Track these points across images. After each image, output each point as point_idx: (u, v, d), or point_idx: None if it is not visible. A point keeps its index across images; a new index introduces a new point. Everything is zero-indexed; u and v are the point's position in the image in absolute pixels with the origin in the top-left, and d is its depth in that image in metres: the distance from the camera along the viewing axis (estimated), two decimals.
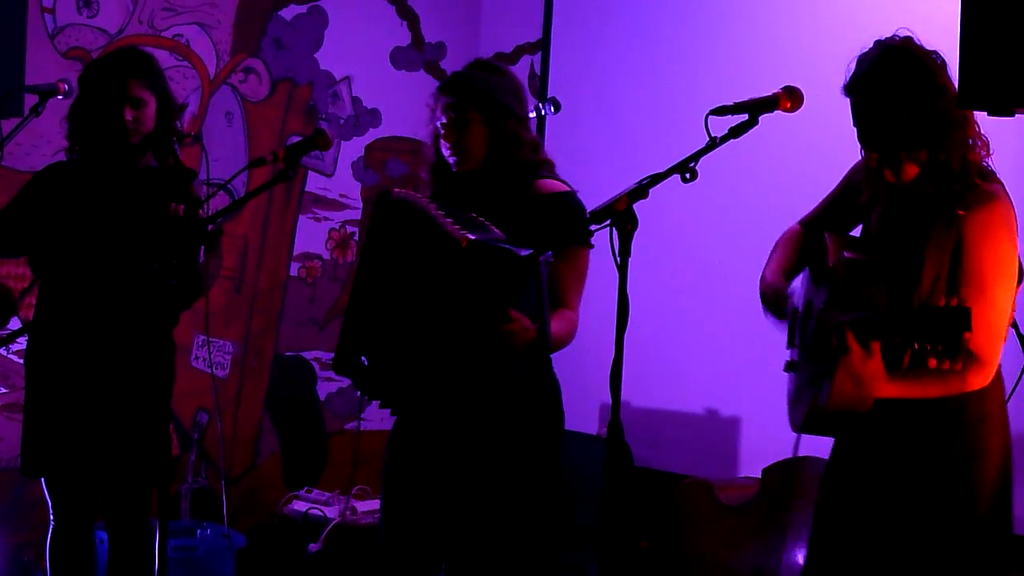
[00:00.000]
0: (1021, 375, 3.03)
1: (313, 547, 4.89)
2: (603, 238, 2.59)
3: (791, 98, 2.71)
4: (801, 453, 4.07)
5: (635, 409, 4.91)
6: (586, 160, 5.39)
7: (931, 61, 2.76)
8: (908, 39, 2.79)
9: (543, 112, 4.29)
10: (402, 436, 3.29)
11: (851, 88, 2.77)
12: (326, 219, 5.68)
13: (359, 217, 5.74)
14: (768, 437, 4.65)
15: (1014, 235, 2.70)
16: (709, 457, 4.90)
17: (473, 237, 2.88)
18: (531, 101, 5.24)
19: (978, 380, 2.66)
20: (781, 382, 4.10)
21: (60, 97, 3.84)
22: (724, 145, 2.64)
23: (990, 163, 2.81)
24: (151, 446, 3.60)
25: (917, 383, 2.62)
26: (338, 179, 5.70)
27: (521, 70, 5.86)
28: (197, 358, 5.19)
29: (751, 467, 4.57)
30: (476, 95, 3.20)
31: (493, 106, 3.20)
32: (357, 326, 3.17)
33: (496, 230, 2.98)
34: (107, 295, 3.64)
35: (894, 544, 2.78)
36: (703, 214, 4.90)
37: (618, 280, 2.54)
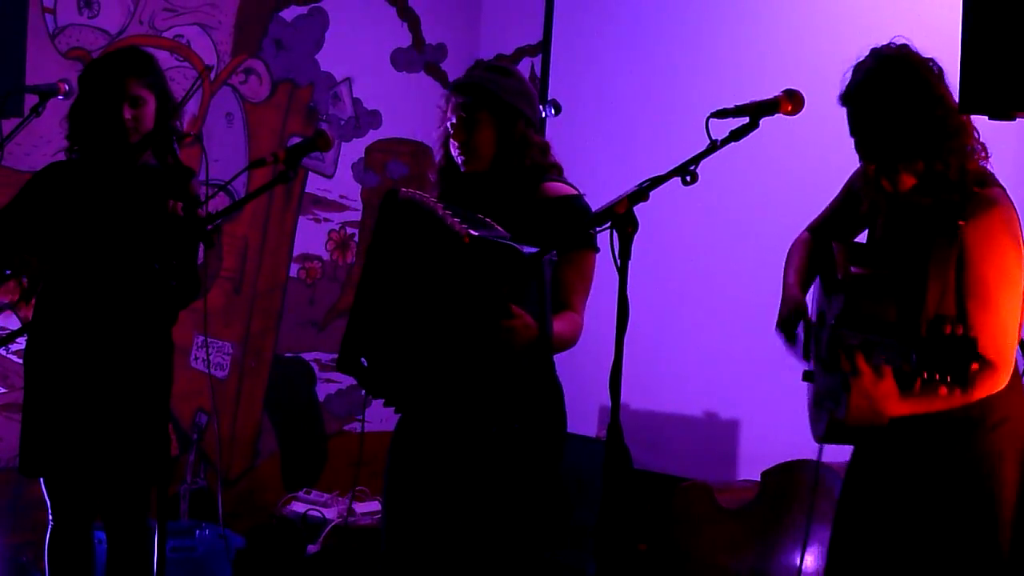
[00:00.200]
0: None
1: (312, 548, 4.89)
2: (603, 240, 2.60)
3: (792, 101, 2.71)
4: (800, 456, 4.07)
5: (634, 411, 4.91)
6: (586, 162, 5.39)
7: (927, 70, 2.75)
8: (904, 47, 2.79)
9: (543, 114, 4.29)
10: (405, 437, 3.29)
11: (846, 98, 2.78)
12: (326, 220, 5.68)
13: (359, 218, 5.74)
14: (767, 440, 4.65)
15: (1017, 238, 2.70)
16: (708, 460, 4.90)
17: (476, 233, 2.90)
18: (538, 102, 5.25)
19: (993, 385, 2.67)
20: (780, 385, 4.11)
21: (60, 97, 3.84)
22: (725, 148, 2.64)
23: (989, 166, 2.81)
24: (150, 446, 3.60)
25: (932, 399, 2.62)
26: (338, 180, 5.70)
27: (522, 72, 5.86)
28: (196, 359, 5.19)
29: (750, 470, 4.58)
30: (487, 96, 3.22)
31: (503, 108, 3.22)
32: (362, 324, 3.18)
33: (500, 229, 2.99)
34: (106, 295, 3.64)
35: (916, 548, 2.77)
36: (703, 217, 4.90)
37: (618, 282, 2.54)
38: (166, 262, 3.16)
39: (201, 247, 3.61)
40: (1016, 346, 2.70)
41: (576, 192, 3.24)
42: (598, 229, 2.57)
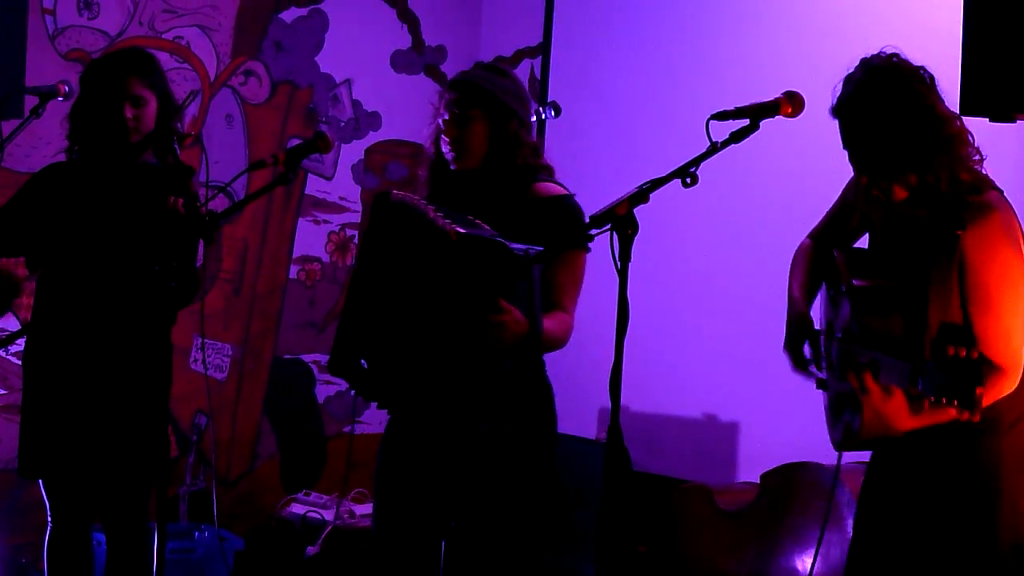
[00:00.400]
0: None
1: (311, 550, 4.88)
2: (603, 242, 2.59)
3: (792, 103, 2.71)
4: (799, 458, 4.07)
5: (634, 414, 4.91)
6: (586, 164, 5.39)
7: (918, 80, 2.74)
8: (893, 57, 2.76)
9: (543, 116, 4.29)
10: (395, 436, 3.29)
11: (837, 111, 2.78)
12: (326, 222, 5.68)
13: (359, 220, 5.74)
14: (766, 442, 4.65)
15: (1016, 241, 2.69)
16: (707, 462, 4.90)
17: (463, 231, 2.90)
18: (532, 105, 5.25)
19: (1002, 389, 2.67)
20: (779, 388, 4.10)
21: (60, 99, 3.84)
22: (725, 150, 2.64)
23: (989, 168, 2.81)
24: (149, 448, 3.60)
25: (942, 414, 2.62)
26: (338, 182, 5.70)
27: (521, 74, 5.86)
28: (196, 360, 5.19)
29: (749, 472, 4.57)
30: (480, 93, 3.22)
31: (496, 106, 3.22)
32: (352, 326, 3.18)
33: (488, 228, 2.99)
34: (105, 296, 3.64)
35: (935, 552, 2.77)
36: (704, 219, 4.90)
37: (618, 284, 2.54)
38: (166, 263, 3.16)
39: (201, 245, 3.61)
40: (1023, 348, 2.70)
41: (567, 192, 3.25)
42: (598, 231, 2.57)
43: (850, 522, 3.66)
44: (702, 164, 2.60)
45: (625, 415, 2.57)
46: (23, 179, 3.96)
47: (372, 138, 5.77)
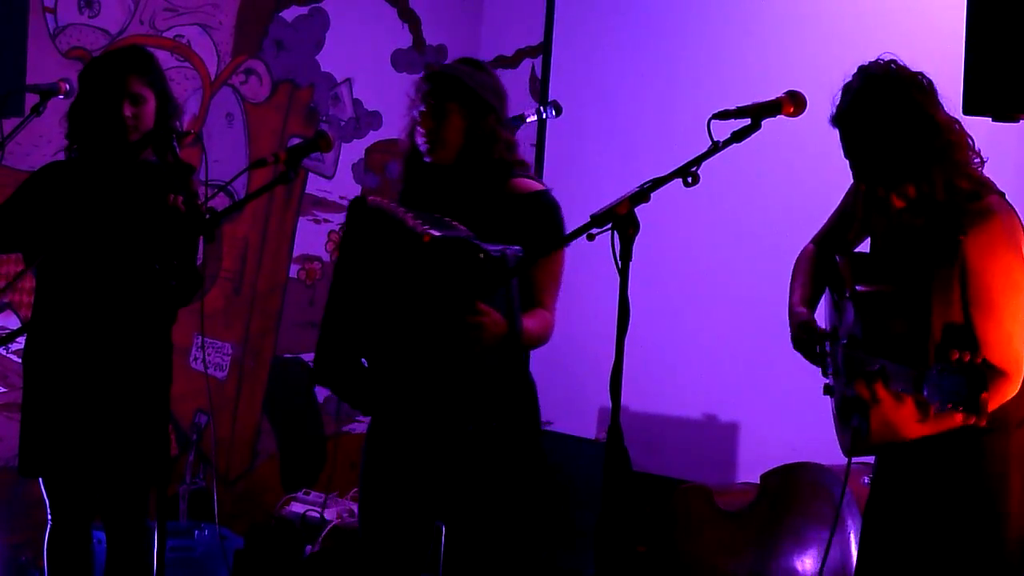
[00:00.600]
0: None
1: (310, 549, 4.88)
2: (604, 242, 2.59)
3: (794, 103, 2.71)
4: (799, 459, 4.07)
5: (634, 414, 4.90)
6: (587, 164, 5.39)
7: (916, 87, 2.73)
8: (891, 64, 2.76)
9: (544, 115, 4.28)
10: (379, 436, 3.28)
11: (836, 122, 2.78)
12: (326, 221, 5.68)
13: None
14: (766, 442, 4.65)
15: (1017, 244, 2.69)
16: (707, 462, 4.89)
17: (437, 234, 2.88)
18: (532, 104, 5.25)
19: (1007, 393, 2.67)
20: (779, 388, 4.11)
21: (61, 97, 3.84)
22: (727, 149, 2.63)
23: (990, 169, 2.80)
24: (149, 446, 3.60)
25: (949, 419, 2.62)
26: (338, 181, 5.70)
27: (522, 73, 5.87)
28: (196, 359, 5.18)
29: (749, 472, 4.57)
30: (459, 87, 3.19)
31: (474, 100, 3.19)
32: (333, 335, 3.16)
33: (463, 228, 2.97)
34: (105, 294, 3.64)
35: (939, 549, 2.77)
36: (705, 219, 4.89)
37: (619, 284, 2.54)
38: (167, 262, 3.16)
39: (201, 244, 3.61)
40: None
41: (544, 188, 3.23)
42: (599, 230, 2.56)
43: (850, 522, 3.66)
44: (703, 163, 2.60)
45: (625, 415, 2.57)
46: (24, 177, 3.96)
47: (372, 137, 5.76)
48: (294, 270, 5.61)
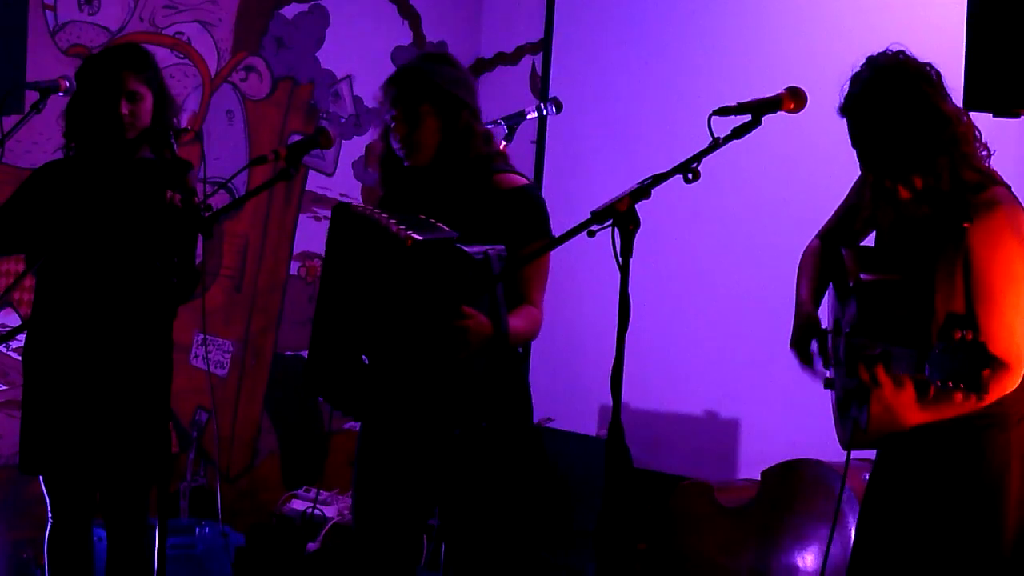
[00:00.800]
0: None
1: (311, 546, 4.88)
2: (605, 238, 2.58)
3: (794, 99, 2.71)
4: (800, 455, 4.06)
5: (634, 411, 4.90)
6: (588, 160, 5.38)
7: (924, 79, 2.73)
8: (899, 55, 2.76)
9: (544, 112, 4.27)
10: (370, 438, 3.27)
11: (844, 111, 2.77)
12: (326, 218, 5.63)
13: None
14: (767, 439, 4.65)
15: (1021, 235, 2.69)
16: (708, 459, 4.89)
17: (419, 237, 2.84)
18: (532, 101, 5.24)
19: (1007, 385, 2.67)
20: (780, 384, 4.10)
21: (61, 94, 3.83)
22: (727, 146, 2.63)
23: (993, 163, 2.81)
24: (150, 444, 3.59)
25: (948, 406, 2.62)
26: (339, 178, 5.70)
27: (523, 70, 5.86)
28: (196, 356, 5.18)
29: (750, 469, 4.57)
30: (427, 86, 3.13)
31: (445, 98, 3.14)
32: (320, 344, 3.14)
33: (446, 228, 2.93)
34: (106, 292, 3.64)
35: (937, 543, 2.77)
36: (706, 215, 4.89)
37: (620, 281, 2.53)
38: (167, 259, 3.15)
39: (200, 241, 3.60)
40: None
41: (528, 181, 3.21)
42: (599, 227, 2.56)
43: (851, 519, 3.66)
44: (704, 160, 2.60)
45: (626, 412, 2.56)
46: (24, 175, 3.96)
47: (373, 134, 5.75)
48: (294, 267, 5.61)
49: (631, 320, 2.54)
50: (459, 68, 3.24)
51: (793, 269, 3.17)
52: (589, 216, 2.57)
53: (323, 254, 3.20)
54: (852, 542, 3.02)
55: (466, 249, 2.83)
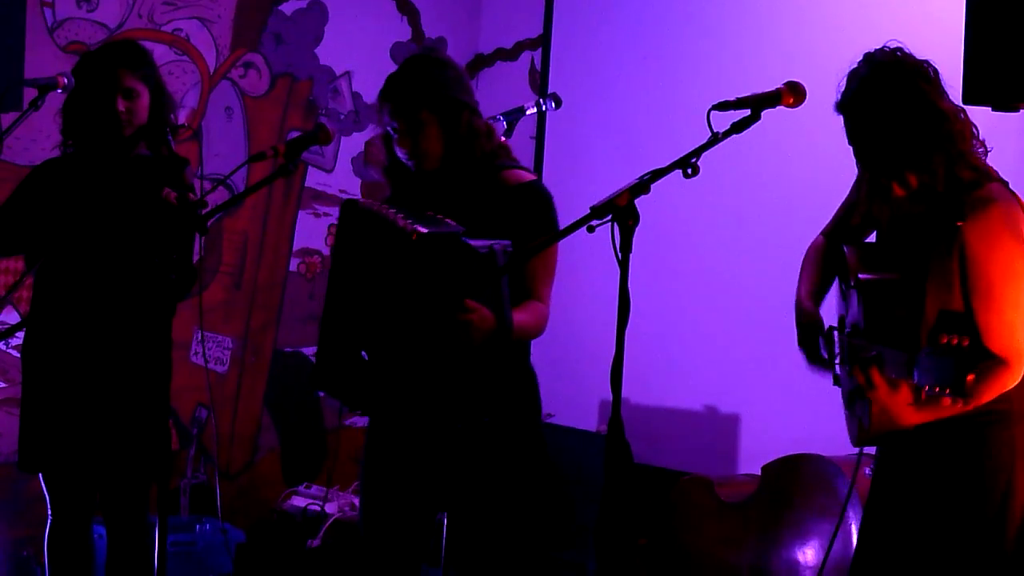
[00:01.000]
0: None
1: (312, 543, 4.88)
2: (604, 233, 2.58)
3: (794, 93, 2.70)
4: (800, 450, 4.06)
5: (635, 406, 4.90)
6: (587, 155, 5.38)
7: (921, 76, 2.72)
8: (897, 52, 2.75)
9: (544, 108, 4.27)
10: (378, 433, 3.28)
11: (841, 108, 2.77)
12: (326, 215, 5.67)
13: None
14: (768, 434, 4.65)
15: (1017, 233, 2.68)
16: (708, 454, 4.89)
17: (424, 230, 2.85)
18: (532, 97, 5.24)
19: (1007, 381, 2.66)
20: (780, 379, 4.10)
21: (59, 91, 3.83)
22: (726, 141, 2.63)
23: (992, 159, 2.80)
24: (149, 441, 3.59)
25: (943, 409, 2.62)
26: (338, 174, 5.69)
27: (522, 65, 5.86)
28: (196, 353, 5.18)
29: (750, 464, 4.57)
30: (425, 95, 3.12)
31: (444, 102, 3.13)
32: (329, 340, 3.15)
33: (452, 224, 2.93)
34: (104, 289, 3.63)
35: (940, 539, 2.77)
36: (705, 210, 4.89)
37: (619, 276, 2.53)
38: (165, 255, 3.15)
39: (198, 238, 3.60)
40: None
41: (534, 177, 3.21)
42: (599, 222, 2.55)
43: (851, 513, 3.66)
44: (703, 155, 2.60)
45: (626, 407, 2.56)
46: (23, 172, 3.96)
47: (372, 130, 5.74)
48: (294, 264, 5.61)
49: (631, 316, 2.54)
50: (450, 66, 3.22)
51: (793, 264, 3.17)
52: (588, 212, 2.57)
53: (330, 250, 3.20)
54: (852, 536, 3.02)
55: (470, 242, 2.84)
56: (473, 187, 3.15)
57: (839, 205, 3.12)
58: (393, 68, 3.26)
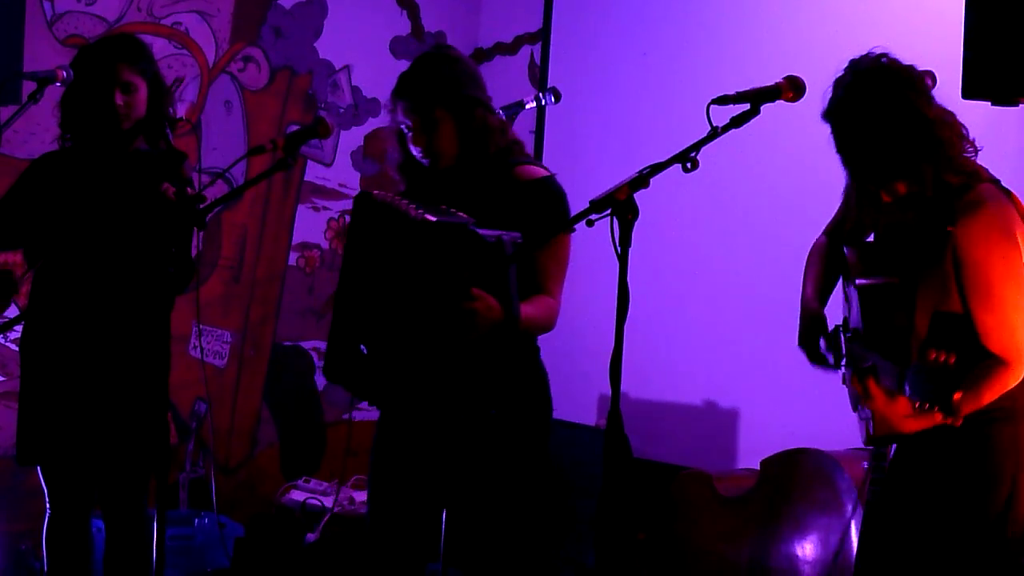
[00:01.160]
0: None
1: (311, 537, 4.89)
2: (603, 227, 2.58)
3: (793, 88, 2.70)
4: (799, 444, 4.06)
5: (634, 401, 4.90)
6: (586, 150, 5.38)
7: (906, 83, 2.71)
8: (881, 58, 2.74)
9: (543, 102, 4.26)
10: (388, 425, 3.28)
11: (827, 117, 2.77)
12: (325, 209, 5.67)
13: None
14: (766, 429, 4.65)
15: (1009, 233, 2.67)
16: (707, 449, 4.89)
17: (433, 219, 2.86)
18: (531, 91, 5.24)
19: (1008, 382, 2.66)
20: (780, 374, 4.10)
21: (58, 84, 3.82)
22: (726, 135, 2.62)
23: (989, 154, 2.79)
24: (148, 435, 3.59)
25: (932, 417, 2.61)
26: (337, 168, 5.69)
27: (521, 60, 5.85)
28: (195, 347, 5.18)
29: (749, 459, 4.57)
30: (439, 93, 3.13)
31: (458, 100, 3.14)
32: (341, 330, 3.15)
33: (463, 215, 2.94)
34: (103, 282, 3.63)
35: (943, 535, 2.77)
36: (705, 205, 4.89)
37: (618, 270, 2.53)
38: (164, 249, 3.14)
39: (196, 232, 3.60)
40: None
41: (549, 173, 3.20)
42: (598, 216, 2.55)
43: (849, 508, 3.66)
44: (702, 149, 2.59)
45: (625, 402, 2.56)
46: (22, 165, 3.95)
47: (371, 124, 5.75)
48: (293, 258, 5.61)
49: (630, 310, 2.54)
50: (462, 62, 3.22)
51: (793, 259, 3.17)
52: (588, 205, 2.56)
53: (343, 240, 3.20)
54: (853, 532, 3.02)
55: (479, 232, 2.84)
56: (487, 182, 3.15)
57: (839, 204, 3.12)
58: (393, 62, 3.27)
